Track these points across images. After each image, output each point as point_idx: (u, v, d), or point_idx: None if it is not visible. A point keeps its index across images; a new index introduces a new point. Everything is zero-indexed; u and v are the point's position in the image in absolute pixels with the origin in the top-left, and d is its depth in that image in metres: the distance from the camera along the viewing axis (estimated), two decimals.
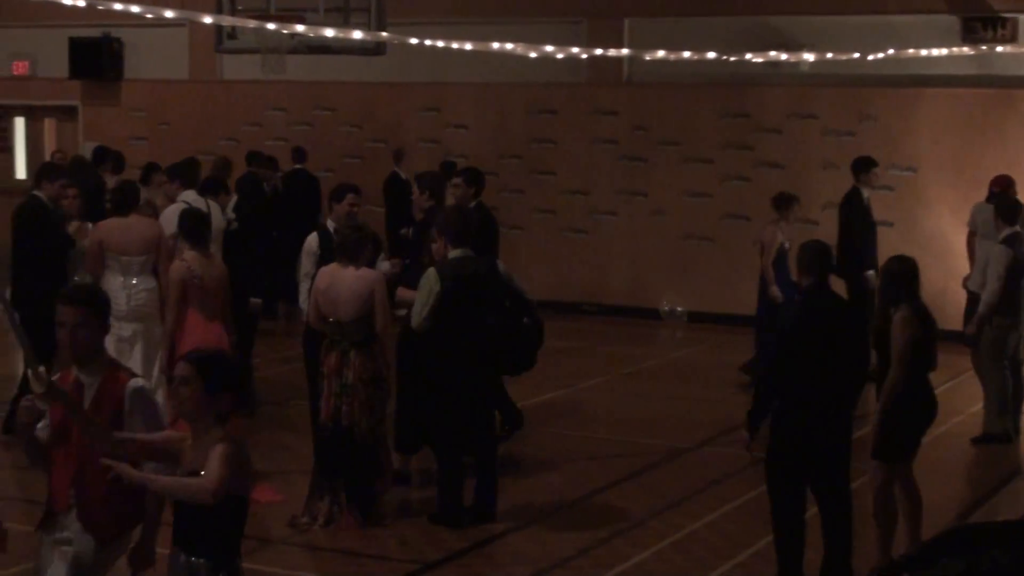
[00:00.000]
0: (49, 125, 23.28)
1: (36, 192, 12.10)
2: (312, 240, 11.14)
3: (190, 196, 12.53)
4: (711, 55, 14.72)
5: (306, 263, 11.13)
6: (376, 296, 9.64)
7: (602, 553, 9.40)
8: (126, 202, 11.92)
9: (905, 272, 8.87)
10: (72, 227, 12.24)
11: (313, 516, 9.73)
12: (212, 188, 13.15)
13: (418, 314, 9.64)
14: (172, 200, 12.73)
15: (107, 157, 17.36)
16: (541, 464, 11.64)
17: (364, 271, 9.74)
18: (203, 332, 10.01)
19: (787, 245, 14.20)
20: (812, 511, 8.53)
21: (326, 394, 9.76)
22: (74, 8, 12.65)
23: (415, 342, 10.11)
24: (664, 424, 13.16)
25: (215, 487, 5.54)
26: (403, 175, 18.47)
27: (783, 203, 14.68)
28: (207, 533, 5.68)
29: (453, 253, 9.73)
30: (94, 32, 21.71)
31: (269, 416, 12.99)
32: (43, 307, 11.72)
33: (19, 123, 23.44)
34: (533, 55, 14.47)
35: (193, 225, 10.50)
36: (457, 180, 12.47)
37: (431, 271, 9.66)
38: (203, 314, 10.17)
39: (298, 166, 19.10)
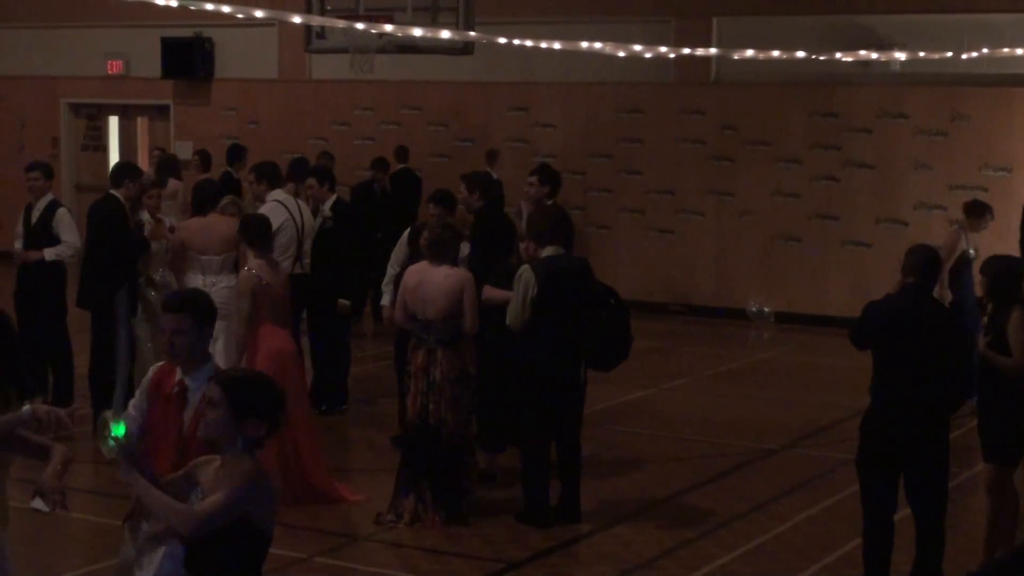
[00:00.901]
0: (142, 124, 23.54)
1: (113, 191, 12.22)
2: (403, 237, 11.24)
3: (279, 195, 12.58)
4: (800, 54, 14.60)
5: (394, 260, 11.22)
6: (466, 295, 9.66)
7: (687, 554, 9.36)
8: (205, 201, 12.02)
9: (1014, 271, 8.71)
10: (147, 228, 12.36)
11: (398, 514, 9.77)
12: (325, 178, 13.19)
13: (515, 312, 9.63)
14: (260, 200, 12.79)
15: (240, 155, 17.49)
16: (626, 464, 11.61)
17: (454, 270, 9.76)
18: (275, 339, 10.04)
19: (972, 253, 13.57)
20: (901, 514, 8.44)
21: (412, 392, 9.79)
22: (167, 8, 12.77)
23: (505, 340, 10.10)
24: (750, 425, 13.08)
25: (197, 522, 5.16)
26: (495, 175, 18.49)
27: (975, 211, 13.94)
28: (220, 565, 5.25)
29: (546, 252, 9.72)
30: (186, 32, 21.93)
31: (358, 414, 13.06)
32: (107, 307, 11.96)
33: (113, 122, 23.73)
34: (621, 54, 14.43)
35: (257, 232, 10.40)
36: (532, 179, 12.49)
37: (526, 269, 9.63)
38: (274, 321, 10.16)
39: (402, 166, 19.14)
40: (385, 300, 11.56)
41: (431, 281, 9.73)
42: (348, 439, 12.60)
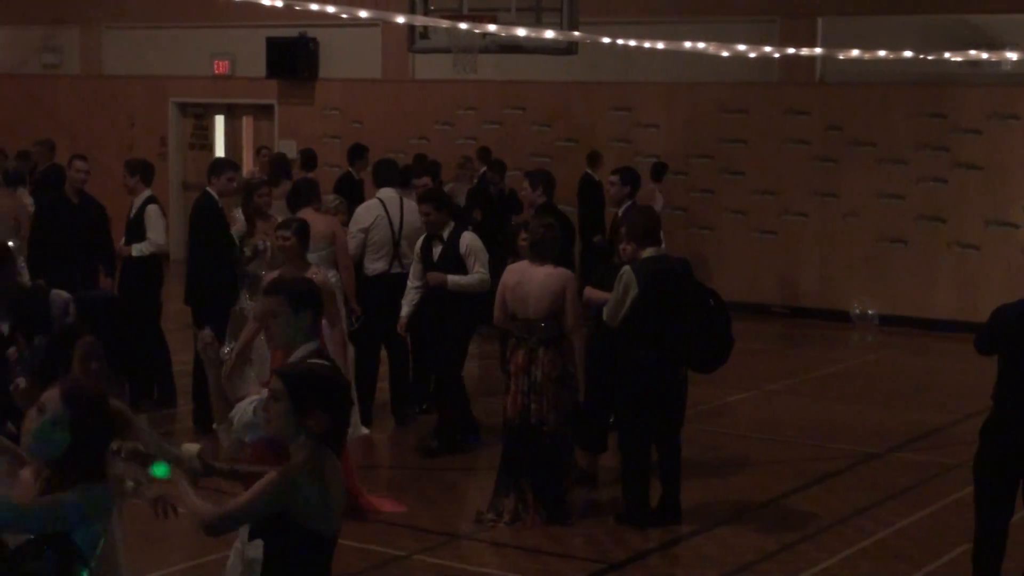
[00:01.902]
0: (247, 123, 23.79)
1: (209, 189, 12.39)
2: (417, 251, 11.42)
3: (384, 193, 12.63)
4: (907, 54, 14.42)
5: (413, 274, 11.45)
6: (568, 294, 9.65)
7: (788, 558, 9.28)
8: (301, 199, 12.11)
9: None
10: (237, 226, 12.48)
11: (499, 513, 9.77)
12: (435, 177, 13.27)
13: (612, 311, 9.61)
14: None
15: (362, 155, 17.54)
16: (727, 466, 11.53)
17: (556, 269, 9.75)
18: (333, 340, 10.02)
19: None
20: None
21: (513, 392, 9.79)
22: (272, 9, 12.89)
23: (608, 340, 10.08)
24: (853, 428, 12.94)
25: (216, 520, 5.04)
26: (596, 178, 18.46)
27: None
28: (267, 564, 5.10)
29: (646, 252, 9.68)
30: (291, 32, 22.13)
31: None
32: (215, 302, 12.11)
33: (219, 121, 24.00)
34: (725, 54, 14.34)
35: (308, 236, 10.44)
36: (613, 178, 12.52)
37: (627, 270, 9.59)
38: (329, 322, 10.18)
39: (484, 168, 19.13)
40: (404, 312, 11.69)
41: (533, 280, 9.73)
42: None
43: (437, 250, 11.39)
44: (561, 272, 9.75)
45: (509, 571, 8.96)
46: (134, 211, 12.91)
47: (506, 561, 9.17)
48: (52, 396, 4.75)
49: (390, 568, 8.93)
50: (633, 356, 9.62)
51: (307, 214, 11.83)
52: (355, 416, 11.59)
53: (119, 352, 6.18)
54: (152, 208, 12.86)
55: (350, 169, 17.88)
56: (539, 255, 9.79)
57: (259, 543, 5.16)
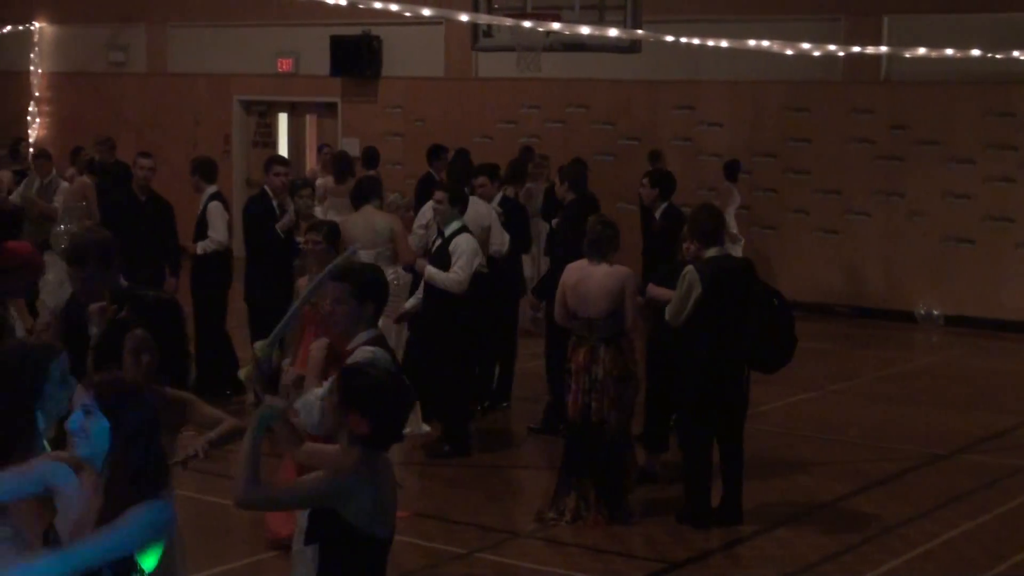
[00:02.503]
0: (310, 121, 23.89)
1: (266, 186, 12.50)
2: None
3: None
4: (975, 53, 14.30)
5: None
6: (627, 292, 9.63)
7: (851, 559, 9.22)
8: (363, 196, 12.15)
9: None
10: (286, 221, 12.55)
11: (560, 512, 9.76)
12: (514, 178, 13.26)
13: (675, 310, 9.57)
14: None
15: (441, 155, 17.51)
16: (789, 466, 11.47)
17: (615, 267, 9.74)
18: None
19: None
20: None
21: (574, 390, 9.78)
22: (336, 7, 12.96)
23: (669, 339, 10.05)
24: (917, 430, 12.83)
25: (248, 495, 5.04)
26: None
27: None
28: (322, 563, 5.12)
29: (709, 252, 9.63)
30: (354, 30, 22.20)
31: (521, 411, 13.10)
32: (270, 299, 12.17)
33: (282, 119, 24.12)
34: (789, 53, 14.28)
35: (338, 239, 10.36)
36: (644, 180, 12.50)
37: (691, 270, 9.54)
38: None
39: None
40: (409, 304, 11.63)
41: (592, 279, 9.73)
42: (510, 435, 12.64)
43: (436, 244, 11.32)
44: (619, 270, 9.73)
45: (570, 570, 8.95)
46: (200, 208, 13.04)
47: (567, 560, 9.16)
48: (81, 395, 4.59)
49: (451, 566, 8.95)
50: (695, 356, 9.59)
51: (368, 211, 11.88)
52: (415, 413, 11.63)
53: (169, 352, 6.18)
54: (214, 205, 12.95)
55: (430, 169, 17.70)
56: (597, 253, 9.78)
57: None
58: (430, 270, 11.07)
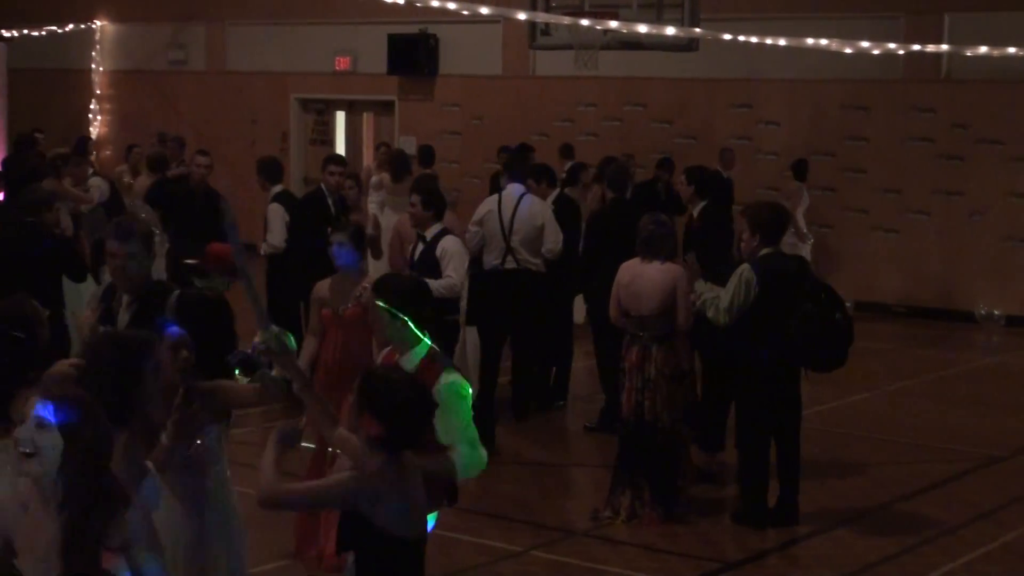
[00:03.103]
0: (367, 119, 23.98)
1: (322, 185, 12.58)
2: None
3: (510, 189, 12.58)
4: None
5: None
6: (679, 290, 9.60)
7: (909, 561, 9.15)
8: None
9: None
10: (354, 216, 12.60)
11: (615, 510, 9.75)
12: (543, 176, 13.27)
13: (724, 308, 9.52)
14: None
15: (570, 156, 17.37)
16: (846, 467, 11.40)
17: (667, 265, 9.71)
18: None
19: None
20: None
21: (627, 389, 9.77)
22: (394, 5, 13.00)
23: (724, 338, 10.01)
24: (976, 431, 12.73)
25: (269, 494, 5.12)
26: (725, 175, 18.31)
27: None
28: (358, 567, 5.11)
29: (764, 250, 9.58)
30: (412, 29, 22.26)
31: (577, 409, 13.09)
32: (298, 297, 12.21)
33: (339, 117, 24.22)
34: (848, 51, 14.20)
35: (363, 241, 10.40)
36: (681, 178, 12.44)
37: (746, 268, 9.49)
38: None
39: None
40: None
41: (644, 277, 9.71)
42: (566, 434, 12.64)
43: (419, 250, 10.76)
44: (671, 268, 9.70)
45: (626, 568, 8.93)
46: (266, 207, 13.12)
47: (622, 558, 9.14)
48: (35, 406, 4.33)
49: (507, 563, 8.95)
50: (751, 355, 9.55)
51: None
52: None
53: (210, 349, 6.22)
54: (273, 207, 12.98)
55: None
56: (650, 252, 9.76)
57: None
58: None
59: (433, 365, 6.22)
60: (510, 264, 12.16)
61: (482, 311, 12.13)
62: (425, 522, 5.20)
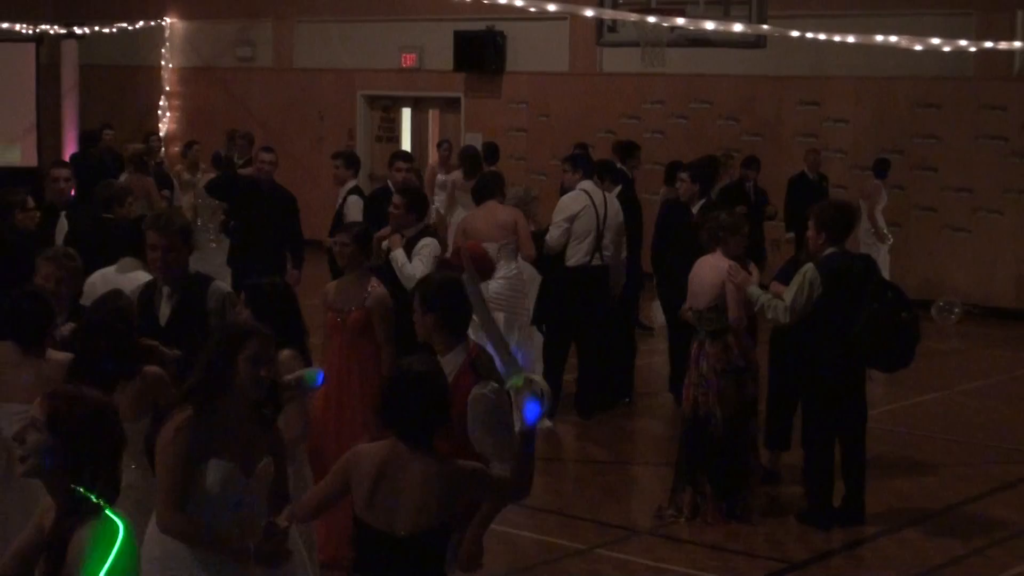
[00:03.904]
0: (433, 116, 24.01)
1: (389, 182, 12.63)
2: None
3: (587, 185, 12.56)
4: None
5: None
6: (728, 285, 9.54)
7: (976, 562, 9.06)
8: (485, 191, 12.15)
9: None
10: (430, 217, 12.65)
11: (678, 508, 9.71)
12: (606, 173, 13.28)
13: (785, 308, 9.45)
14: (570, 188, 12.76)
15: (631, 153, 17.21)
16: (913, 467, 11.30)
17: (718, 259, 9.66)
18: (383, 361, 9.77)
19: None
20: None
21: (686, 384, 9.76)
22: (460, 3, 13.01)
23: (790, 336, 9.95)
24: None
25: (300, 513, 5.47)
26: (811, 175, 18.17)
27: None
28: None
29: (829, 249, 9.50)
30: (478, 26, 22.26)
31: (641, 406, 13.05)
32: (392, 297, 12.22)
33: (405, 114, 24.27)
34: (918, 48, 14.07)
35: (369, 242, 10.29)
36: (683, 175, 12.34)
37: (810, 267, 9.42)
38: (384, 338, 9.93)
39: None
40: None
41: (700, 271, 9.75)
42: (631, 431, 12.61)
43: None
44: (718, 263, 9.65)
45: (690, 568, 8.90)
46: (339, 201, 13.14)
47: (687, 557, 9.10)
48: (35, 408, 4.27)
49: (571, 561, 8.94)
50: (817, 355, 9.48)
51: (491, 206, 11.89)
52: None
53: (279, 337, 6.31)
54: (353, 200, 13.00)
55: (623, 167, 17.41)
56: (712, 244, 9.78)
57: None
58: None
59: (469, 372, 5.95)
60: (597, 261, 12.21)
61: (559, 308, 12.10)
62: (423, 523, 5.10)
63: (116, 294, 6.83)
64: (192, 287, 7.46)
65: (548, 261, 12.15)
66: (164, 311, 7.39)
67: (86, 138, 20.76)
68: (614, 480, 10.98)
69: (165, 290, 7.46)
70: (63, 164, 13.39)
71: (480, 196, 12.14)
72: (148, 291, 7.55)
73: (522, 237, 11.79)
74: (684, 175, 12.53)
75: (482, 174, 13.06)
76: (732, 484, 9.65)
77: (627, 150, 16.01)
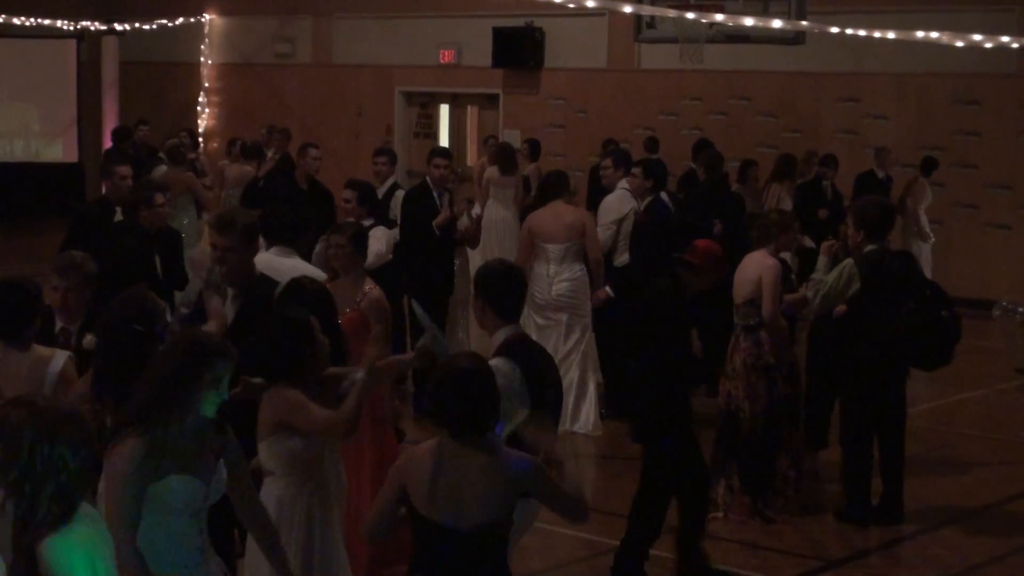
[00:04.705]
0: (472, 112, 24.02)
1: (427, 178, 12.61)
2: None
3: (628, 183, 12.53)
4: None
5: None
6: (764, 282, 9.50)
7: (1017, 562, 9.01)
8: (550, 190, 12.09)
9: None
10: (458, 208, 12.61)
11: (713, 502, 9.68)
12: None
13: (824, 300, 9.43)
14: (611, 187, 12.72)
15: (705, 149, 17.07)
16: (953, 466, 11.23)
17: (758, 255, 9.63)
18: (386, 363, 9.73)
19: None
20: None
21: (723, 378, 9.75)
22: None
23: (828, 334, 9.91)
24: None
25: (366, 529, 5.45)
26: (880, 174, 18.08)
27: None
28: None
29: (869, 246, 9.46)
30: (517, 22, 22.26)
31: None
32: (426, 289, 12.27)
33: (443, 110, 24.28)
34: (959, 44, 13.98)
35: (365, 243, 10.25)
36: (635, 170, 12.23)
37: (849, 263, 9.39)
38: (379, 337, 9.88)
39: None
40: None
41: (744, 265, 9.75)
42: None
43: None
44: (760, 260, 9.62)
45: (726, 565, 8.87)
46: (380, 196, 13.10)
47: (723, 554, 9.07)
48: None
49: (608, 558, 8.90)
50: (855, 352, 9.44)
51: (557, 206, 11.79)
52: (591, 408, 11.66)
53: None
54: (398, 194, 12.99)
55: (693, 165, 17.03)
56: (756, 243, 9.80)
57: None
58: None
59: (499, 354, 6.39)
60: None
61: (612, 309, 12.07)
62: (489, 515, 5.13)
63: (141, 293, 6.44)
64: (258, 289, 7.23)
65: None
66: (228, 312, 7.17)
67: (120, 134, 20.86)
68: None
69: (230, 291, 7.23)
70: (124, 162, 13.48)
71: (545, 196, 12.11)
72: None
73: (590, 238, 11.71)
74: (637, 170, 12.27)
75: (548, 173, 12.92)
76: (758, 483, 9.62)
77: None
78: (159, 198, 10.21)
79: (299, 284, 6.95)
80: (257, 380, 6.21)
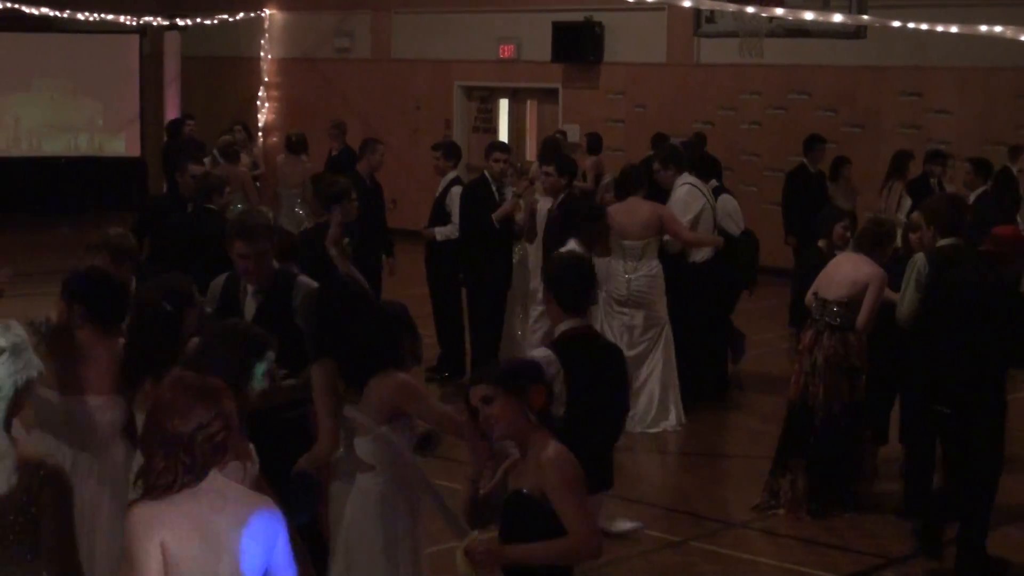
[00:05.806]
0: (531, 107, 24.00)
1: (485, 172, 12.65)
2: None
3: (689, 178, 12.45)
4: None
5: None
6: (870, 289, 9.43)
7: None
8: (626, 186, 12.06)
9: None
10: (509, 205, 12.59)
11: (773, 492, 9.66)
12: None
13: (906, 308, 9.23)
14: (667, 185, 12.67)
15: (812, 146, 16.96)
16: (1016, 464, 11.11)
17: (869, 262, 9.55)
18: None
19: None
20: None
21: (797, 371, 9.71)
22: None
23: (889, 332, 9.83)
24: None
25: (586, 543, 5.38)
26: (1015, 169, 17.92)
27: None
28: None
29: (942, 242, 9.34)
30: (576, 17, 22.23)
31: (739, 400, 12.97)
32: (487, 283, 12.31)
33: (503, 105, 24.28)
34: (1023, 38, 13.83)
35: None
36: (548, 168, 12.09)
37: (919, 258, 9.21)
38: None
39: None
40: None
41: (845, 264, 9.68)
42: (727, 425, 12.54)
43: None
44: (872, 267, 9.54)
45: (784, 561, 8.85)
46: (439, 192, 13.16)
47: (782, 551, 9.05)
48: None
49: (665, 553, 8.93)
50: (918, 352, 9.34)
51: (633, 202, 11.76)
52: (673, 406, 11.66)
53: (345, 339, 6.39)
54: (455, 190, 12.99)
55: (804, 160, 16.94)
56: (859, 247, 9.75)
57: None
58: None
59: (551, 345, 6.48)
60: (709, 255, 12.22)
61: (690, 305, 12.05)
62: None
63: (181, 277, 6.48)
64: (278, 283, 7.18)
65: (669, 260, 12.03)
66: (249, 308, 7.12)
67: (173, 127, 21.02)
68: (711, 472, 10.94)
69: (250, 287, 7.20)
70: (199, 159, 13.72)
71: (622, 191, 12.09)
72: (231, 286, 7.28)
73: (670, 230, 11.66)
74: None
75: (624, 168, 12.93)
76: (826, 481, 9.57)
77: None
78: (226, 192, 10.51)
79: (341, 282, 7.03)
80: (289, 381, 6.33)
